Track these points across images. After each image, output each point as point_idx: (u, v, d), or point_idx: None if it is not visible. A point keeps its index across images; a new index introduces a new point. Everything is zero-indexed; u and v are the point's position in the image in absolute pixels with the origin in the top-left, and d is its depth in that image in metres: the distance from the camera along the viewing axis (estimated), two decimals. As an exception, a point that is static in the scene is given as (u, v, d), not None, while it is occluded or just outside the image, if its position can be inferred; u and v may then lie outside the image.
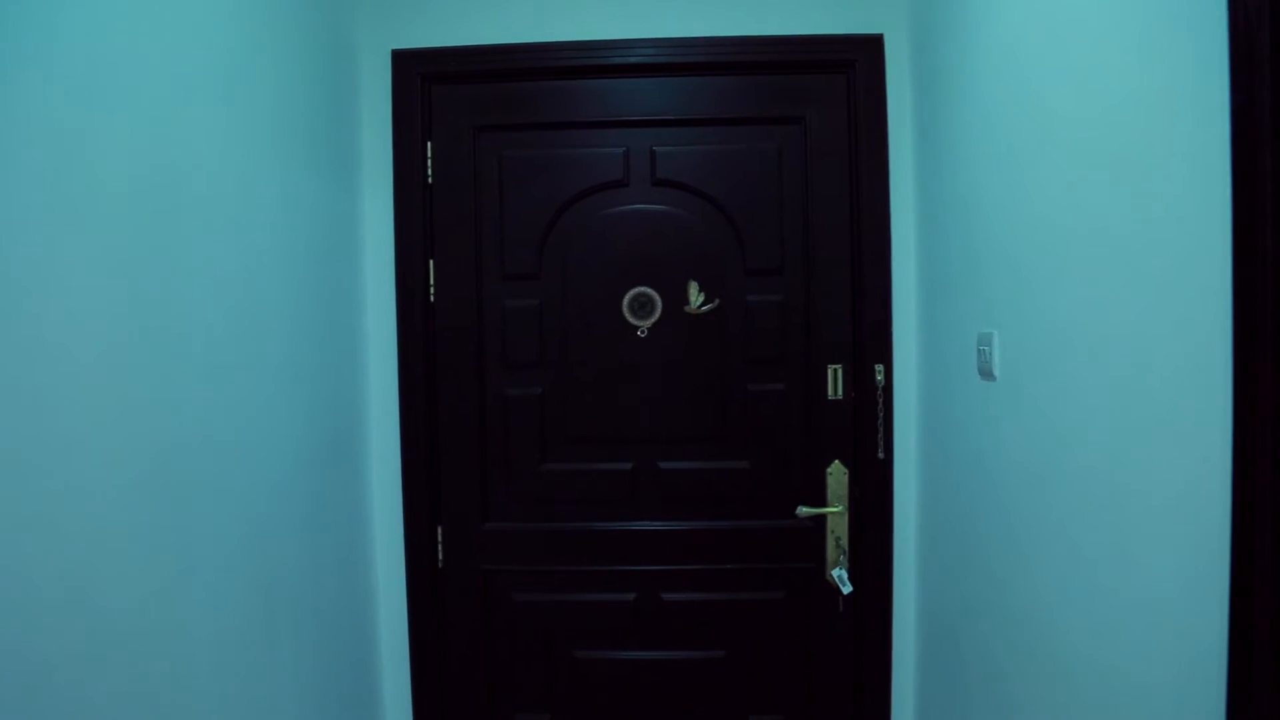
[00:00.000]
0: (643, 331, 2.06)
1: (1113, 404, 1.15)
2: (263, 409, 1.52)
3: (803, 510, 2.05)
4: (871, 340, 2.03)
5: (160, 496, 1.20)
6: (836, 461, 2.06)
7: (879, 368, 2.02)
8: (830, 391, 2.06)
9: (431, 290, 2.07)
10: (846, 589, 2.03)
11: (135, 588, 1.14)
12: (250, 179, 1.49)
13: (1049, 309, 1.32)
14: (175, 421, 1.25)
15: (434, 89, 2.07)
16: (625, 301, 2.06)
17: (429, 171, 2.06)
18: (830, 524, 2.06)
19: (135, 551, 1.14)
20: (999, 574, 1.53)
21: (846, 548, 2.06)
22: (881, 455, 2.03)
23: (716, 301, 2.05)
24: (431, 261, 2.07)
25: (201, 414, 1.31)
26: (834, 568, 2.05)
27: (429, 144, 2.06)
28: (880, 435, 2.03)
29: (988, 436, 1.57)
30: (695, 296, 2.05)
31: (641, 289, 2.05)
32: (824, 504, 2.07)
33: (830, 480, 2.06)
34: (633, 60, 2.02)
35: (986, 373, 1.56)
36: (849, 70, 2.03)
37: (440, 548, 2.11)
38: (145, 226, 1.18)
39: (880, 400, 2.02)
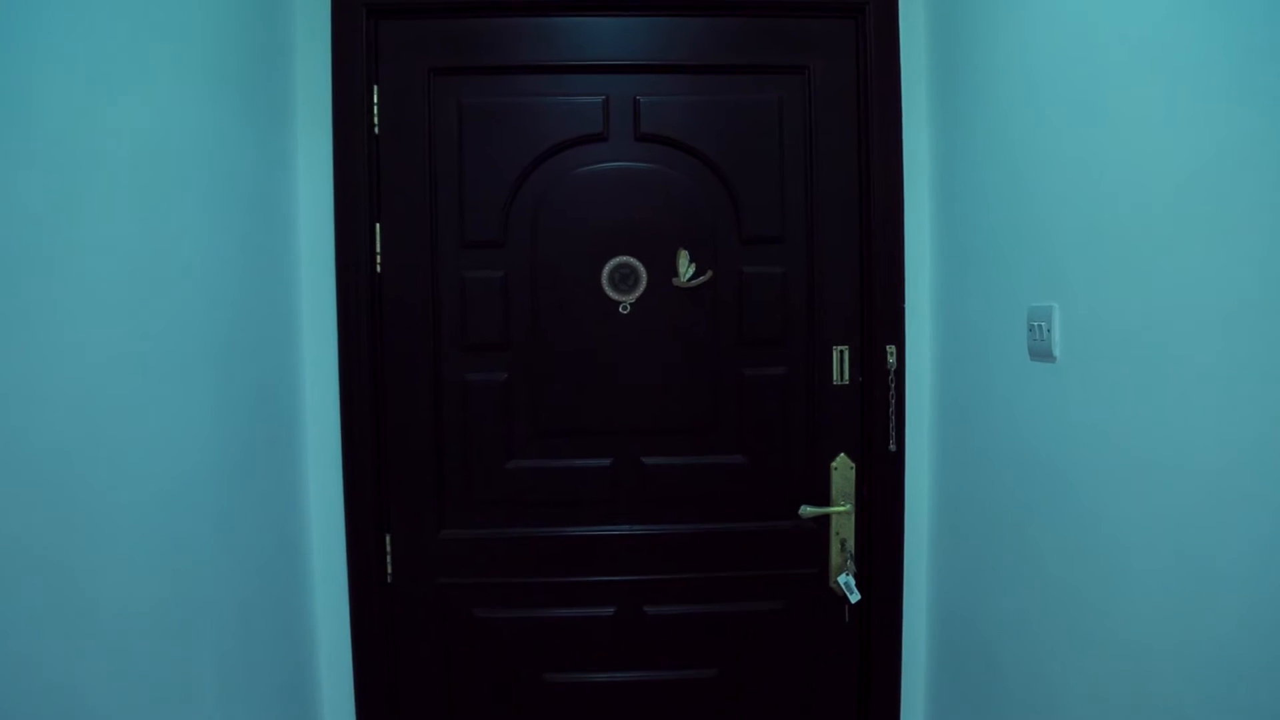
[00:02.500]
0: (625, 307, 1.80)
1: (1245, 393, 0.93)
2: (169, 399, 1.21)
3: (805, 510, 1.81)
4: (882, 318, 1.80)
5: (31, 512, 0.90)
6: (843, 455, 1.83)
7: (891, 349, 1.80)
8: (836, 376, 1.82)
9: (378, 259, 1.77)
10: (854, 597, 1.80)
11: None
12: (151, 114, 1.18)
13: (1142, 276, 1.10)
14: (46, 420, 0.95)
15: (381, 24, 1.77)
16: (605, 273, 1.79)
17: (375, 120, 1.76)
18: (835, 525, 1.83)
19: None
20: (1065, 584, 1.31)
21: (853, 551, 1.83)
22: (893, 448, 1.81)
23: (709, 273, 1.80)
24: (378, 226, 1.77)
25: (81, 409, 1.01)
26: (839, 574, 1.82)
27: (375, 88, 1.76)
28: (892, 425, 1.80)
29: (1046, 427, 1.35)
30: (685, 268, 1.79)
31: (623, 259, 1.79)
32: (828, 503, 1.83)
33: (835, 476, 1.83)
34: (614, -5, 1.76)
35: (1042, 353, 1.34)
36: (858, 14, 1.79)
37: (389, 559, 1.81)
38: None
39: (892, 386, 1.80)
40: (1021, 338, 1.41)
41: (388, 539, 1.81)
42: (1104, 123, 1.18)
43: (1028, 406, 1.40)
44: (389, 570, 1.82)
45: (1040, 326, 1.34)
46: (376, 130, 1.77)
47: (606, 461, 1.83)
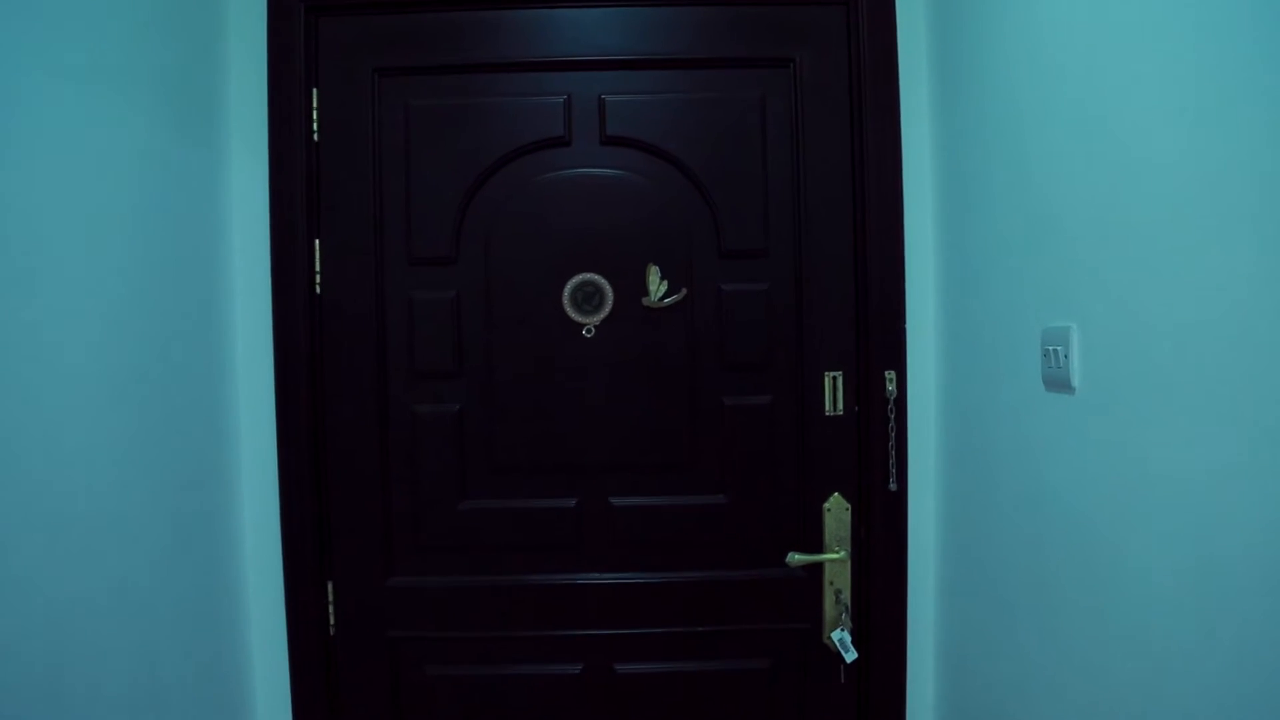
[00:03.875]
0: (589, 330, 1.61)
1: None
2: (62, 436, 1.05)
3: (794, 558, 1.60)
4: (881, 340, 1.59)
5: None
6: (836, 494, 1.63)
7: (890, 375, 1.59)
8: (828, 405, 1.62)
9: (318, 279, 1.61)
10: (850, 656, 1.59)
11: None
12: (58, 120, 1.04)
13: (1177, 293, 0.90)
14: None
15: (321, 21, 1.61)
16: (567, 292, 1.61)
17: (315, 127, 1.60)
18: (828, 574, 1.63)
19: None
20: (1088, 646, 1.10)
21: (849, 604, 1.62)
22: (893, 486, 1.60)
23: (683, 291, 1.61)
24: (318, 242, 1.61)
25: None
26: (833, 629, 1.62)
27: (315, 91, 1.60)
28: (892, 461, 1.59)
29: (1064, 468, 1.14)
30: (656, 285, 1.60)
31: (587, 276, 1.61)
32: (820, 549, 1.63)
33: (828, 518, 1.63)
34: (575, -17, 1.59)
35: (1058, 382, 1.13)
36: (848, 1, 1.60)
37: (332, 610, 1.64)
38: None
39: (892, 416, 1.59)
40: (1035, 363, 1.20)
41: (330, 587, 1.64)
42: (1131, 115, 0.97)
43: (1043, 444, 1.19)
44: (332, 621, 1.64)
45: (1056, 351, 1.13)
46: (316, 137, 1.60)
47: (571, 502, 1.64)
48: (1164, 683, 0.93)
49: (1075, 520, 1.11)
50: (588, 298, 1.60)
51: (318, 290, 1.61)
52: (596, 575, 1.65)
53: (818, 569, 1.63)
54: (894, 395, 1.59)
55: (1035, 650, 1.23)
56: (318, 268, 1.61)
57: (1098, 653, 1.06)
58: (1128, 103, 0.98)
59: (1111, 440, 1.02)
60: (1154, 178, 0.93)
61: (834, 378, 1.62)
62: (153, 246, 1.35)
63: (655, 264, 1.60)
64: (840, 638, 1.60)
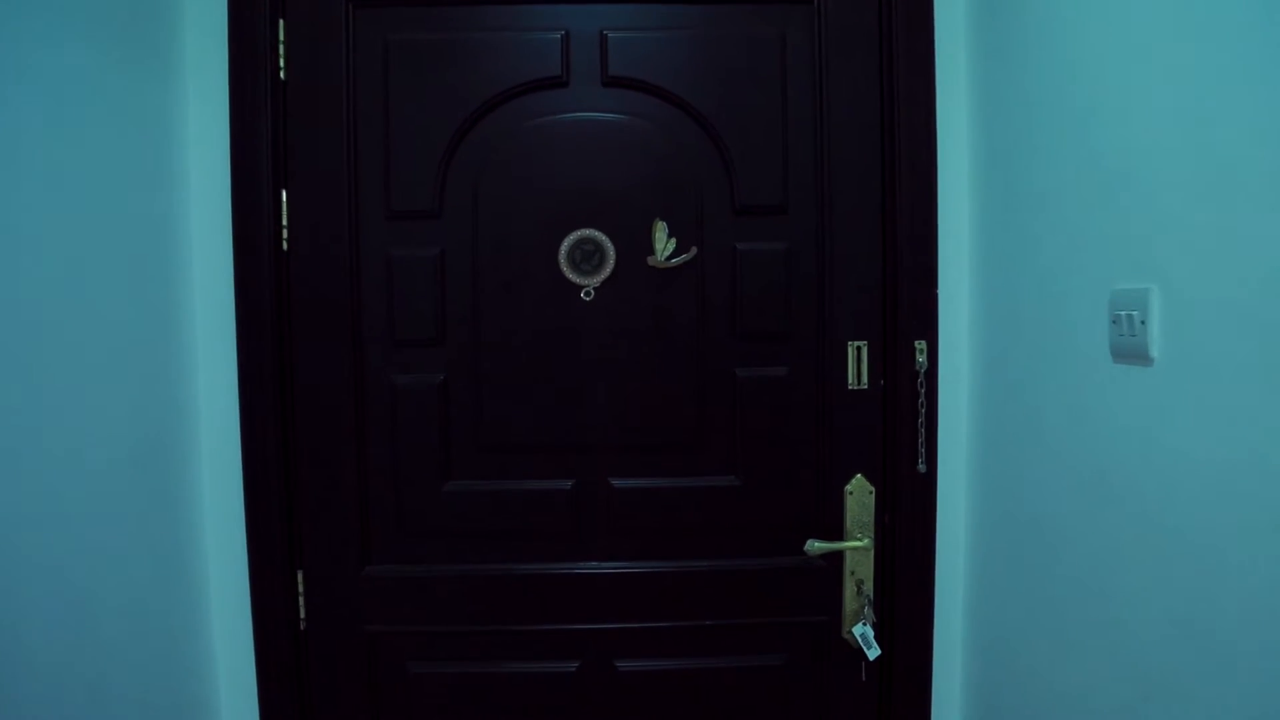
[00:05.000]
0: (588, 293, 1.45)
1: None
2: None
3: (814, 546, 1.46)
4: (910, 306, 1.44)
5: None
6: (859, 476, 1.48)
7: (920, 345, 1.44)
8: (851, 378, 1.47)
9: (285, 234, 1.44)
10: (872, 653, 1.45)
11: None
12: None
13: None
14: None
15: (288, -56, 1.43)
16: (563, 250, 1.44)
17: (281, 63, 1.43)
18: (849, 563, 1.48)
19: None
20: (1162, 669, 0.95)
21: (871, 596, 1.48)
22: (922, 468, 1.45)
23: (693, 251, 1.45)
24: (285, 193, 1.44)
25: None
26: (855, 623, 1.47)
27: (281, 23, 1.43)
28: (921, 440, 1.45)
29: (1134, 452, 0.99)
30: (663, 243, 1.44)
31: (586, 233, 1.44)
32: (841, 535, 1.48)
33: (850, 502, 1.48)
34: (574, -98, 1.41)
35: (1131, 352, 0.98)
36: (879, -73, 1.43)
37: (302, 602, 1.48)
38: None
39: (922, 391, 1.44)
40: (1099, 331, 1.05)
41: (300, 577, 1.48)
42: (1226, 50, 0.82)
43: (1109, 423, 1.04)
44: (302, 615, 1.48)
45: (1130, 317, 0.98)
46: (283, 75, 1.43)
47: (567, 484, 1.49)
48: None
49: (1152, 512, 0.96)
50: (587, 256, 1.44)
51: (284, 246, 1.44)
52: (595, 564, 1.50)
53: (838, 558, 1.49)
54: (924, 368, 1.44)
55: (1092, 658, 1.09)
56: (284, 222, 1.44)
57: (1179, 670, 0.91)
58: (1219, 36, 0.82)
59: (1201, 419, 0.87)
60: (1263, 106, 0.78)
61: (858, 348, 1.47)
62: (91, 195, 1.18)
63: (662, 219, 1.44)
64: (862, 632, 1.46)
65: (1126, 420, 1.01)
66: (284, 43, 1.43)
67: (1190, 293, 0.89)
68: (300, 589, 1.48)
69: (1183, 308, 0.91)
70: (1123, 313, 0.99)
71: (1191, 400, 0.89)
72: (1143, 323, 0.96)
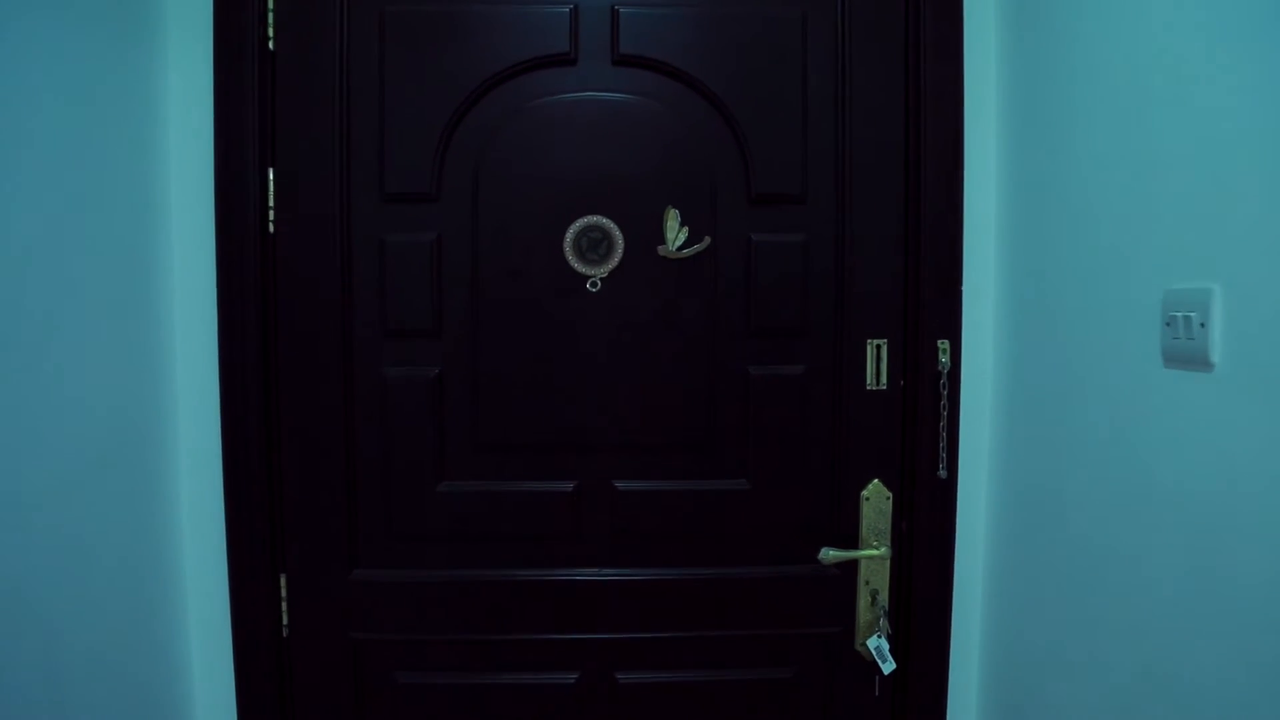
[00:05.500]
0: (594, 284, 1.37)
1: None
2: None
3: (829, 554, 1.39)
4: (933, 304, 1.37)
5: None
6: (876, 481, 1.41)
7: (943, 344, 1.37)
8: (870, 378, 1.40)
9: (271, 215, 1.35)
10: (887, 667, 1.38)
11: None
12: None
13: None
14: None
15: (278, -95, 1.34)
16: (569, 237, 1.36)
17: (270, 32, 1.34)
18: (864, 572, 1.41)
19: None
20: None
21: (887, 606, 1.41)
22: (943, 473, 1.38)
23: (706, 240, 1.37)
24: (271, 172, 1.35)
25: None
26: (869, 636, 1.40)
27: (270, -10, 1.34)
28: (943, 444, 1.38)
29: (1191, 466, 0.92)
30: (674, 232, 1.37)
31: (594, 220, 1.36)
32: (856, 543, 1.41)
33: (866, 509, 1.41)
34: None
35: (1187, 357, 0.91)
36: (906, -97, 1.36)
37: (285, 607, 1.40)
38: None
39: (944, 392, 1.37)
40: (1149, 333, 0.98)
41: (283, 581, 1.39)
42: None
43: (1157, 432, 0.97)
44: (285, 621, 1.40)
45: (1187, 319, 0.91)
46: (272, 45, 1.34)
47: (569, 485, 1.41)
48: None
49: (1210, 527, 0.89)
50: (594, 245, 1.36)
51: (271, 229, 1.35)
52: (596, 570, 1.42)
53: (851, 567, 1.41)
54: (947, 368, 1.37)
55: (1130, 688, 1.02)
56: (271, 202, 1.35)
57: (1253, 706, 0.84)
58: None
59: (1273, 431, 0.80)
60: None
61: (877, 346, 1.39)
62: (60, 173, 1.08)
63: (675, 207, 1.36)
64: (877, 645, 1.39)
65: (1180, 430, 0.93)
66: (273, 10, 1.34)
67: (1258, 293, 0.82)
68: (283, 594, 1.39)
69: (1249, 309, 0.84)
70: (1179, 314, 0.92)
71: (1259, 410, 0.82)
72: (1202, 325, 0.88)
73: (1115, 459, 1.06)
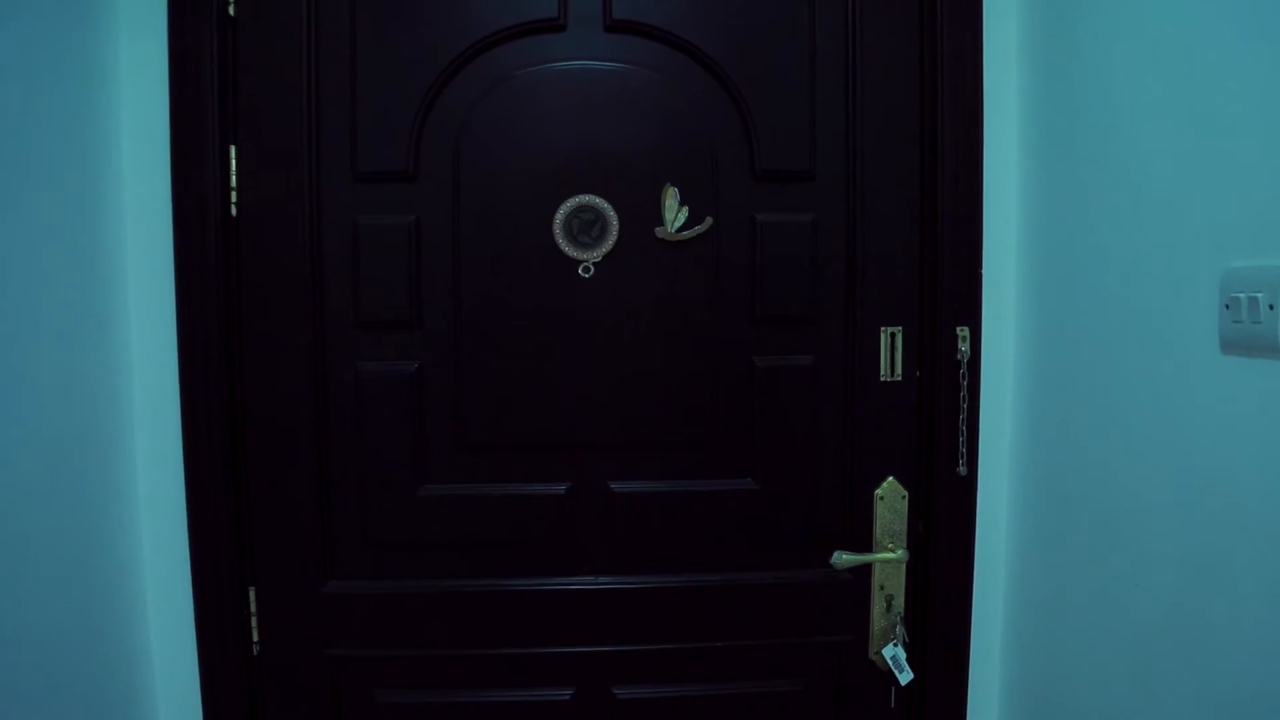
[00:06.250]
0: (587, 268, 1.27)
1: None
2: None
3: (841, 558, 1.29)
4: (951, 288, 1.27)
5: None
6: (891, 479, 1.31)
7: (963, 331, 1.28)
8: (884, 369, 1.30)
9: (234, 197, 1.24)
10: (904, 677, 1.29)
11: None
12: None
13: None
14: None
15: None
16: (559, 219, 1.26)
17: (230, -3, 1.22)
18: (878, 576, 1.32)
19: None
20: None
21: (903, 613, 1.31)
22: (963, 470, 1.29)
23: (707, 221, 1.27)
24: (234, 149, 1.23)
25: None
26: (884, 644, 1.31)
27: (229, -51, 1.22)
28: (962, 439, 1.28)
29: (1255, 459, 0.82)
30: (673, 212, 1.26)
31: (586, 199, 1.26)
32: (870, 546, 1.32)
33: (880, 509, 1.31)
34: None
35: (1250, 342, 0.82)
36: None
37: (255, 623, 1.29)
38: None
39: (964, 383, 1.28)
40: (1203, 316, 0.89)
41: (252, 594, 1.28)
42: None
43: (1213, 426, 0.88)
44: (255, 638, 1.29)
45: (1251, 300, 0.81)
46: (233, 10, 1.22)
47: (561, 487, 1.30)
48: None
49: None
50: (586, 226, 1.25)
51: (234, 211, 1.24)
52: (591, 579, 1.32)
53: (865, 571, 1.32)
54: (966, 357, 1.28)
55: (1179, 712, 0.93)
56: (234, 183, 1.23)
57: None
58: None
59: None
60: None
61: (892, 334, 1.30)
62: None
63: (674, 185, 1.25)
64: (893, 654, 1.30)
65: (1241, 423, 0.84)
66: (233, -28, 1.22)
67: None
68: (253, 608, 1.29)
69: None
70: (1242, 295, 0.82)
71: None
72: (1270, 307, 0.79)
73: (1160, 454, 0.96)
